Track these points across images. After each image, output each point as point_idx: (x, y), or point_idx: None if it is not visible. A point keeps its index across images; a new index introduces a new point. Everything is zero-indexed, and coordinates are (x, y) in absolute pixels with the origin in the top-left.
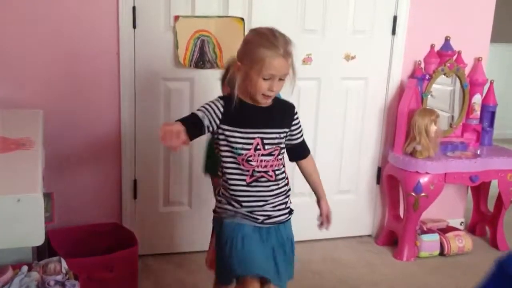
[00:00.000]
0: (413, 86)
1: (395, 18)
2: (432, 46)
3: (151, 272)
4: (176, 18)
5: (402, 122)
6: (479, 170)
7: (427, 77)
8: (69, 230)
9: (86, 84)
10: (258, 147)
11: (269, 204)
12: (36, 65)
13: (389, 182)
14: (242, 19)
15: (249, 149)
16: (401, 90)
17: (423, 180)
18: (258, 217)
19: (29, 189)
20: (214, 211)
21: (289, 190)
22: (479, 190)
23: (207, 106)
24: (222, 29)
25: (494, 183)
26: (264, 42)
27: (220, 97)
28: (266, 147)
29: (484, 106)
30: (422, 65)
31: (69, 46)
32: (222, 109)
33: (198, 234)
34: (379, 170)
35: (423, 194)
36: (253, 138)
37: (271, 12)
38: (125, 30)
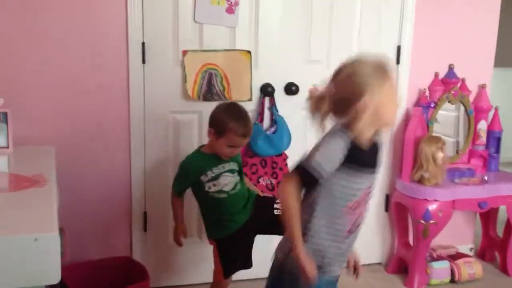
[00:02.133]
0: (419, 114)
1: (399, 48)
2: (436, 74)
3: None
4: (185, 52)
5: (409, 150)
6: (487, 196)
7: (432, 105)
8: (81, 265)
9: (96, 118)
10: (368, 191)
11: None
12: (46, 101)
13: (398, 209)
14: (249, 52)
15: (360, 195)
16: (407, 118)
17: (432, 207)
18: (338, 272)
19: (46, 228)
20: (286, 257)
21: None
22: (488, 216)
23: (332, 150)
24: (229, 62)
25: (503, 207)
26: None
27: (342, 131)
28: (370, 192)
29: (489, 132)
30: (427, 93)
31: (79, 81)
32: (346, 152)
33: (208, 266)
34: (387, 198)
35: (432, 221)
36: (364, 183)
37: (276, 44)
38: (135, 65)
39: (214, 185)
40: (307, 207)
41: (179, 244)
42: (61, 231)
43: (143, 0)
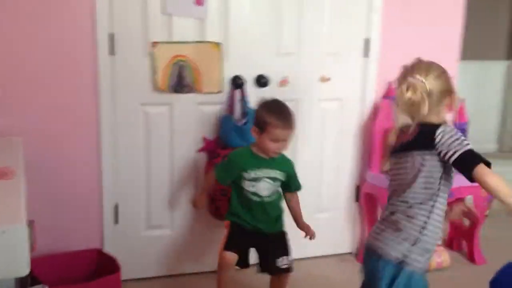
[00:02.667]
0: (387, 106)
1: (367, 41)
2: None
3: None
4: (154, 44)
5: (378, 141)
6: (454, 186)
7: None
8: (51, 258)
9: (65, 110)
10: None
11: None
12: (14, 93)
13: (368, 200)
14: (219, 44)
15: None
16: (375, 110)
17: None
18: None
19: (13, 220)
20: (405, 262)
21: None
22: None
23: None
24: (199, 54)
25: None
26: None
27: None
28: None
29: (456, 124)
30: (395, 86)
31: (47, 73)
32: None
33: (180, 257)
34: (358, 189)
35: None
36: None
37: (247, 36)
38: (103, 56)
39: (253, 186)
40: (427, 201)
41: (198, 207)
42: (31, 223)
43: None
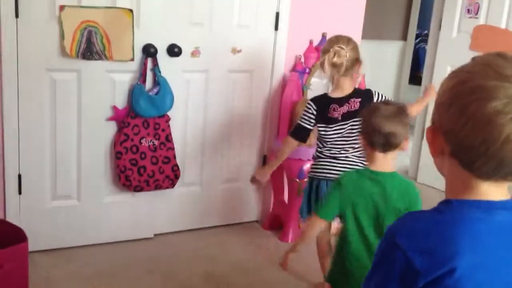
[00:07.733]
0: (295, 79)
1: (277, 14)
2: (311, 42)
3: (40, 268)
4: (62, 7)
5: (285, 113)
6: None
7: (307, 70)
8: None
9: None
10: None
11: None
12: None
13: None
14: (131, 11)
15: None
16: (284, 82)
17: (306, 166)
18: None
19: None
20: None
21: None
22: None
23: None
24: (110, 20)
25: None
26: None
27: None
28: None
29: None
30: (302, 60)
31: None
32: None
33: (87, 228)
34: (265, 158)
35: (305, 179)
36: None
37: (159, 4)
38: (7, 19)
39: None
40: None
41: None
42: None
43: None
